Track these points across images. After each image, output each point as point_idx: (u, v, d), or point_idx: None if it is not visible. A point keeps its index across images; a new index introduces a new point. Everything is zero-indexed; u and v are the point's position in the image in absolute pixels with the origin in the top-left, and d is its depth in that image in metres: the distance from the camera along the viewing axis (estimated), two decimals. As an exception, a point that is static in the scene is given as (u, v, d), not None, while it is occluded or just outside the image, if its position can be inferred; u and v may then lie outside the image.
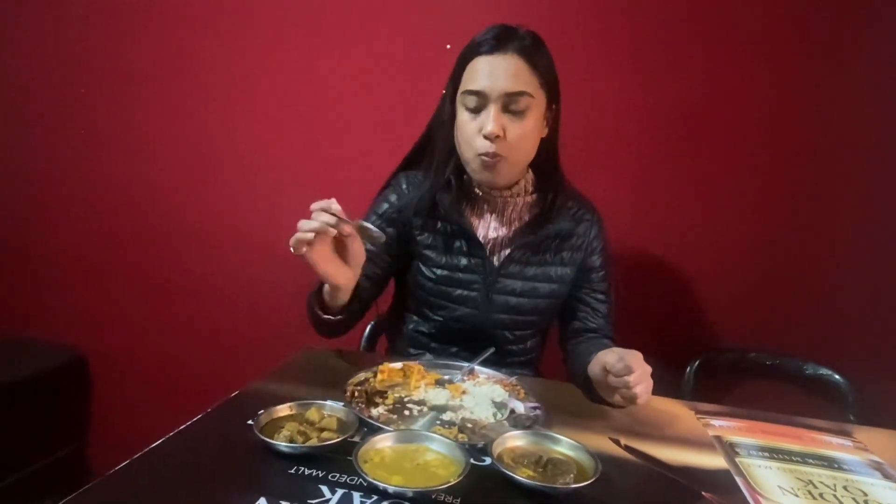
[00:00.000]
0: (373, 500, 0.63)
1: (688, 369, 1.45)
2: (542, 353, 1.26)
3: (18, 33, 1.86)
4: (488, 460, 0.71)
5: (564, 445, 0.75)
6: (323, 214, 0.84)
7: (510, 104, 0.98)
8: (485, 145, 0.99)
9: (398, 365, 1.00)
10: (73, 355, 1.86)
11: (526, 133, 1.00)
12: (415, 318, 1.19)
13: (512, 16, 1.50)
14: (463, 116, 1.02)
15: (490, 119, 0.97)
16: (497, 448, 0.72)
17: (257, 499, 0.61)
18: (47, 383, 1.76)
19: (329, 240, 0.88)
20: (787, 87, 1.42)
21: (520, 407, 0.88)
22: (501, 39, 0.98)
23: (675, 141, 1.50)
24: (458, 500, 0.64)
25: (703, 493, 0.72)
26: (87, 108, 1.85)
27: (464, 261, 1.11)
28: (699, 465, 0.80)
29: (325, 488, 0.64)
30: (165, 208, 1.85)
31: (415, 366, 1.01)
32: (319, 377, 0.97)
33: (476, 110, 1.00)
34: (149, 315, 1.90)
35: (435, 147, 1.11)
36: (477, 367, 1.03)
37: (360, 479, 0.65)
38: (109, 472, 0.63)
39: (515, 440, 0.75)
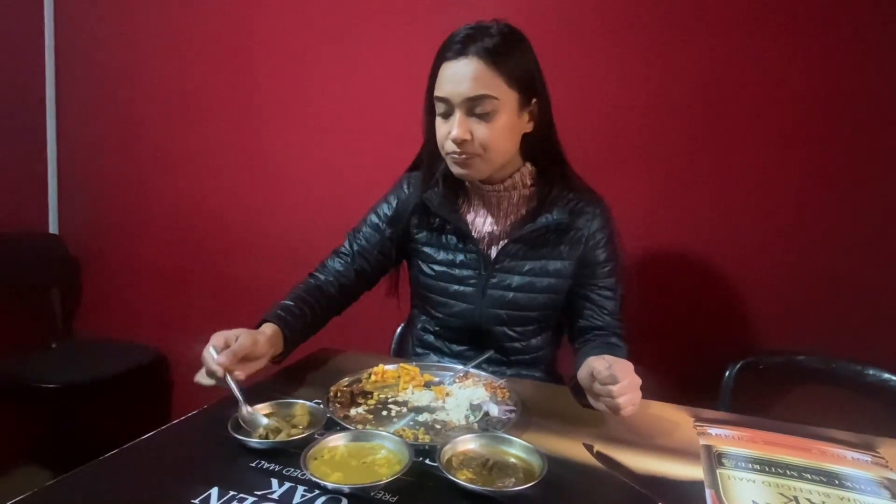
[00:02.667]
0: (314, 494, 0.67)
1: (726, 373, 1.35)
2: (555, 352, 1.24)
3: (103, 78, 2.12)
4: (440, 461, 0.73)
5: (518, 448, 0.75)
6: (215, 365, 0.87)
7: (474, 108, 0.98)
8: (453, 147, 1.01)
9: (393, 367, 1.04)
10: (155, 354, 2.08)
11: (495, 134, 0.99)
12: (422, 317, 1.22)
13: (524, 14, 1.50)
14: (437, 120, 1.04)
15: (455, 124, 0.99)
16: (450, 450, 0.74)
17: (210, 489, 0.67)
18: (133, 379, 1.97)
19: None
20: (824, 69, 1.30)
21: (494, 410, 0.89)
22: (465, 43, 0.98)
23: (710, 133, 1.42)
24: (396, 499, 0.67)
25: (658, 502, 0.69)
26: (163, 134, 2.07)
27: (460, 256, 1.12)
28: (671, 475, 0.76)
29: (274, 481, 0.70)
30: (230, 224, 2.02)
31: (410, 368, 1.04)
32: (320, 377, 1.03)
33: (446, 115, 1.01)
34: (218, 318, 2.06)
35: (424, 150, 1.14)
36: (473, 370, 1.04)
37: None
38: (93, 460, 0.72)
39: (469, 443, 0.76)
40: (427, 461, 0.75)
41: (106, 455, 0.74)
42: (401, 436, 0.77)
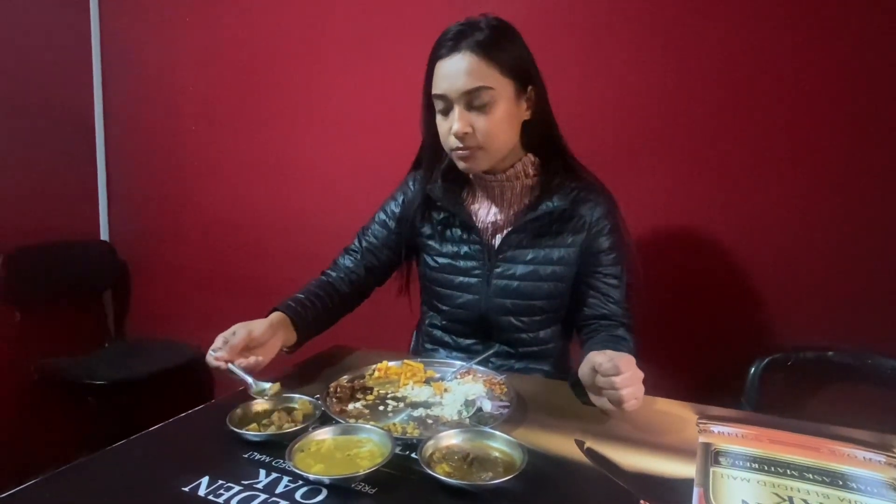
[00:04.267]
0: (297, 484, 0.70)
1: (751, 370, 1.30)
2: (566, 347, 1.22)
3: (146, 95, 2.25)
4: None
5: (501, 442, 0.75)
6: (214, 360, 0.94)
7: (472, 101, 1.00)
8: (456, 143, 1.03)
9: (397, 363, 1.06)
10: (196, 353, 2.19)
11: (495, 124, 1.01)
12: (430, 312, 1.24)
13: (535, 6, 1.49)
14: (437, 117, 1.06)
15: (455, 119, 1.01)
16: (432, 444, 0.75)
17: (201, 477, 0.71)
18: (177, 376, 2.09)
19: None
20: (848, 55, 1.23)
21: (487, 405, 0.89)
22: (457, 39, 1.00)
23: (732, 120, 1.36)
24: (375, 490, 0.69)
25: (641, 500, 0.68)
26: (202, 146, 2.18)
27: (464, 248, 1.14)
28: (660, 473, 0.75)
29: (262, 471, 0.72)
30: (266, 228, 2.11)
31: (413, 364, 1.06)
32: (328, 373, 1.06)
33: (445, 111, 1.04)
34: (255, 316, 2.16)
35: (425, 147, 1.16)
36: (475, 366, 1.05)
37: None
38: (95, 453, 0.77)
39: (453, 437, 0.76)
40: (412, 455, 0.76)
41: (113, 445, 0.79)
42: (388, 430, 0.79)
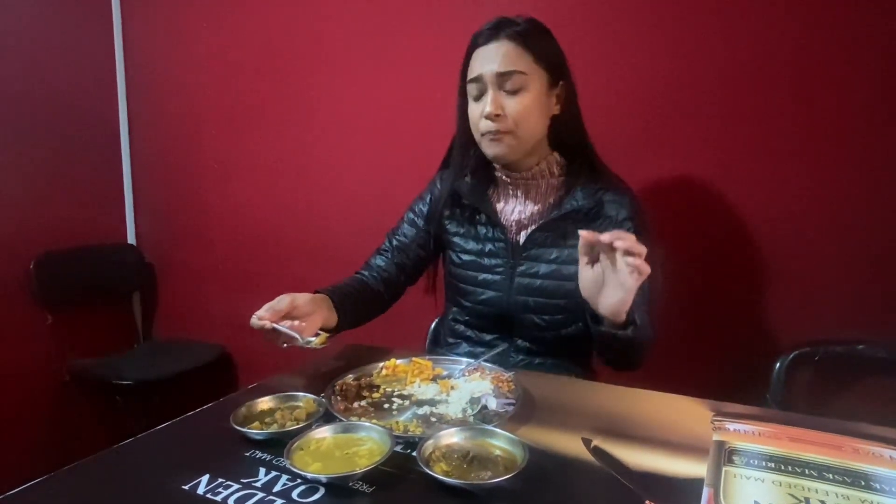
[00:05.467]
0: (295, 483, 0.69)
1: (777, 365, 1.25)
2: (589, 347, 1.18)
3: (169, 103, 2.29)
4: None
5: (502, 440, 0.73)
6: (258, 320, 0.95)
7: (504, 84, 1.04)
8: (487, 125, 1.06)
9: (405, 361, 1.05)
10: (220, 352, 2.23)
11: (525, 108, 1.04)
12: (453, 307, 1.25)
13: (547, 4, 1.47)
14: (470, 104, 1.10)
15: (488, 101, 1.04)
16: (432, 443, 0.73)
17: (202, 475, 0.71)
18: (202, 375, 2.13)
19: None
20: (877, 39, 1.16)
21: (492, 403, 0.87)
22: (496, 29, 1.05)
23: (747, 112, 1.31)
24: (373, 489, 0.68)
25: (646, 500, 0.65)
26: (223, 150, 2.22)
27: (489, 245, 1.15)
28: (669, 472, 0.72)
29: (262, 470, 0.72)
30: (286, 229, 2.14)
31: (422, 361, 1.05)
32: (338, 371, 1.05)
33: (478, 97, 1.07)
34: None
35: (457, 140, 1.18)
36: (484, 363, 1.03)
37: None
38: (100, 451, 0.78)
39: (453, 435, 0.75)
40: (412, 453, 0.74)
41: (120, 444, 0.80)
42: (390, 428, 0.78)
